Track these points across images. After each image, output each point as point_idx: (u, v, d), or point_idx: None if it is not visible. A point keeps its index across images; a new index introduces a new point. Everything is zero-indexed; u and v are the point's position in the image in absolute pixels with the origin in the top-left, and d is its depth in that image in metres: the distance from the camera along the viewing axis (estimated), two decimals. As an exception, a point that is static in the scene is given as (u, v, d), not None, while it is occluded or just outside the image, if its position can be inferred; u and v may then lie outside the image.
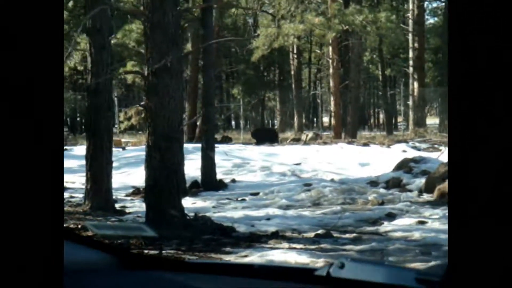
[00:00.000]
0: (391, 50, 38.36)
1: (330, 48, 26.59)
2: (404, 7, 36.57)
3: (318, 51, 37.22)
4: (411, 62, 28.92)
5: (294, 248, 7.74)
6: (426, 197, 11.64)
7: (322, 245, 7.86)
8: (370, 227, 9.10)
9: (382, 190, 12.17)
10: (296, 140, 25.70)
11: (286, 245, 7.91)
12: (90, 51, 10.38)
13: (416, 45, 28.11)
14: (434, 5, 41.91)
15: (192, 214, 9.08)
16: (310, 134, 26.49)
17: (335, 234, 8.48)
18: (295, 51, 32.65)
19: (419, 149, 20.75)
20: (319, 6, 26.81)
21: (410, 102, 29.49)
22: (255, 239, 8.20)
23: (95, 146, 10.61)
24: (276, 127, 33.20)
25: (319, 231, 8.56)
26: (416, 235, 8.30)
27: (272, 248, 7.58)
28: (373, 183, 12.90)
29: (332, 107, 27.41)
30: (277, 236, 8.37)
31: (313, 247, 7.77)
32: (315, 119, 41.05)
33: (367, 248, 7.61)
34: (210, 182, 13.42)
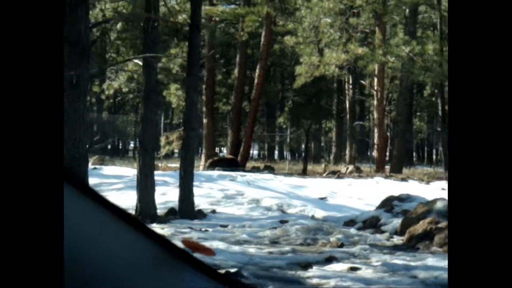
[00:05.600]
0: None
1: (376, 80, 25.65)
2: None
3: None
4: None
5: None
6: (396, 239, 10.68)
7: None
8: (294, 271, 8.36)
9: (352, 231, 11.26)
10: (334, 173, 24.84)
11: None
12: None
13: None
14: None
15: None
16: (351, 167, 25.56)
17: (247, 274, 7.85)
18: (350, 81, 31.81)
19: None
20: (366, 36, 26.06)
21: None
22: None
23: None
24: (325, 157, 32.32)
25: (233, 270, 7.94)
26: (331, 283, 7.54)
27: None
28: (351, 222, 12.03)
29: (375, 140, 26.38)
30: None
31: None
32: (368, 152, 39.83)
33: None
34: (187, 211, 12.97)
